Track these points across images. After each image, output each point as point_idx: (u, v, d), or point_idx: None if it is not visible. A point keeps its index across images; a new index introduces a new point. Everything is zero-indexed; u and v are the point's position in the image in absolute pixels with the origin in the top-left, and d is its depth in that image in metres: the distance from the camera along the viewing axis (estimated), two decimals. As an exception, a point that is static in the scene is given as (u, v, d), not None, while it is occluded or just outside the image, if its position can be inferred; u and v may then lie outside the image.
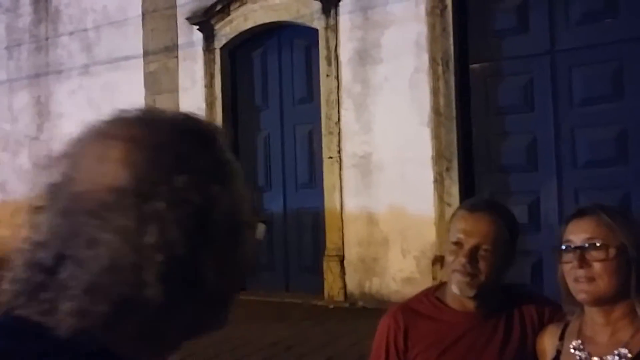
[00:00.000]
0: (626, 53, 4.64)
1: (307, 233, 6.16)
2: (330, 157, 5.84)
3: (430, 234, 5.20)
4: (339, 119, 5.81)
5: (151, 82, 7.15)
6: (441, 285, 1.65)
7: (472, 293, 1.47)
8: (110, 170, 0.56)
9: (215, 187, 0.58)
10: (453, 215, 1.60)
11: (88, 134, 0.60)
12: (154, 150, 0.57)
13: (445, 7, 5.19)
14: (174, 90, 7.04)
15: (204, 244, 0.56)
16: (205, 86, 6.75)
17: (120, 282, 0.54)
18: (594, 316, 1.32)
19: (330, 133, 5.85)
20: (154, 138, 0.58)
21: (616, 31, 4.69)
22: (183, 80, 6.93)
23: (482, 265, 1.45)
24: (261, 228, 0.66)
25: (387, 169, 5.48)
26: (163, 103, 7.11)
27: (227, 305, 0.62)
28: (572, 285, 1.30)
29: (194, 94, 6.85)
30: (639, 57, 4.55)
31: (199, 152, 0.59)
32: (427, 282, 4.22)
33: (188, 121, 0.63)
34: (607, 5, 4.76)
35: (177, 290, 0.55)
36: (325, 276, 5.75)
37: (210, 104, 6.76)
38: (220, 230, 0.58)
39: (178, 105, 7.01)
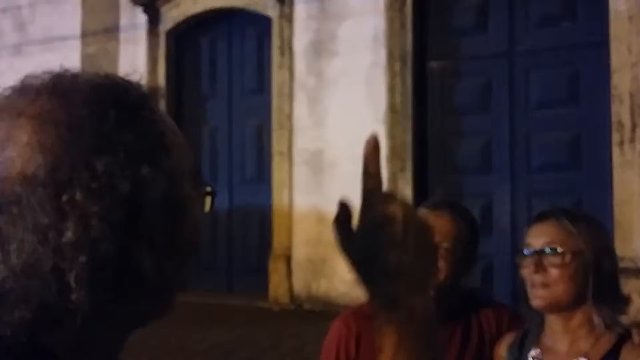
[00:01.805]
0: (583, 57, 4.71)
1: (253, 231, 6.01)
2: (281, 153, 5.69)
3: (381, 235, 5.08)
4: (290, 113, 5.63)
5: (89, 65, 6.77)
6: None
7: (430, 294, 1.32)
8: (18, 156, 0.49)
9: (145, 169, 0.51)
10: None
11: None
12: (68, 128, 0.50)
13: (405, 2, 5.14)
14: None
15: (136, 235, 0.51)
16: (148, 72, 6.42)
17: (39, 287, 0.48)
18: (552, 324, 1.31)
19: (281, 127, 5.69)
20: (68, 112, 0.51)
21: (574, 35, 4.76)
22: (123, 65, 6.61)
23: (441, 264, 1.42)
24: (207, 199, 0.61)
25: (339, 167, 5.35)
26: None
27: (173, 293, 0.57)
28: (528, 290, 1.29)
29: (135, 80, 6.51)
30: (595, 62, 4.60)
31: (123, 127, 0.51)
32: (378, 286, 4.11)
33: (110, 87, 0.54)
34: (565, 9, 4.81)
35: (108, 291, 0.50)
36: (270, 277, 5.61)
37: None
38: (156, 215, 0.52)
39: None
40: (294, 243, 5.54)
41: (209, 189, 0.61)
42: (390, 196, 0.60)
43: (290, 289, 5.50)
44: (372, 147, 0.61)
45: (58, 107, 0.51)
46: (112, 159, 0.49)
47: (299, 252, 5.51)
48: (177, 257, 0.55)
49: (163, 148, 0.53)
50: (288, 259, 5.54)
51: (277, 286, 5.54)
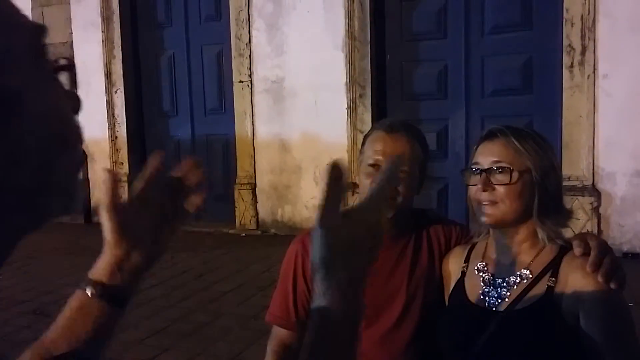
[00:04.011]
0: (536, -19, 4.66)
1: (217, 160, 5.98)
2: (241, 81, 5.59)
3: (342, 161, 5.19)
4: (249, 40, 5.51)
5: (38, -6, 6.42)
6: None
7: (389, 215, 1.44)
8: None
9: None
10: (367, 136, 1.54)
11: None
12: None
13: None
14: (65, 2, 6.37)
15: None
16: (101, -1, 6.15)
17: None
18: (498, 238, 1.34)
19: (241, 55, 5.57)
20: None
21: (527, -41, 4.68)
22: (75, -8, 6.27)
23: (400, 187, 1.43)
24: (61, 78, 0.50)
25: (300, 95, 5.34)
26: (53, 16, 6.43)
27: (39, 198, 0.46)
28: (476, 207, 1.31)
29: (87, 5, 6.25)
30: (548, -14, 4.59)
31: None
32: (339, 210, 4.26)
33: None
34: None
35: None
36: (237, 204, 5.67)
37: (106, 19, 6.20)
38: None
39: (70, 18, 6.37)
40: (258, 171, 5.57)
41: (63, 65, 0.51)
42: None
43: (256, 215, 5.58)
44: (335, 177, 0.60)
45: None
46: None
47: (263, 180, 5.56)
48: (25, 157, 0.44)
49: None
50: (253, 187, 5.59)
51: (243, 213, 5.62)
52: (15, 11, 0.45)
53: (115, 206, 0.74)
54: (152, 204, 0.79)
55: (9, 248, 0.46)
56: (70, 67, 0.52)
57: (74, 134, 0.49)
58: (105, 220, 0.75)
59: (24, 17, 0.45)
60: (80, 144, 0.51)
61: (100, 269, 0.76)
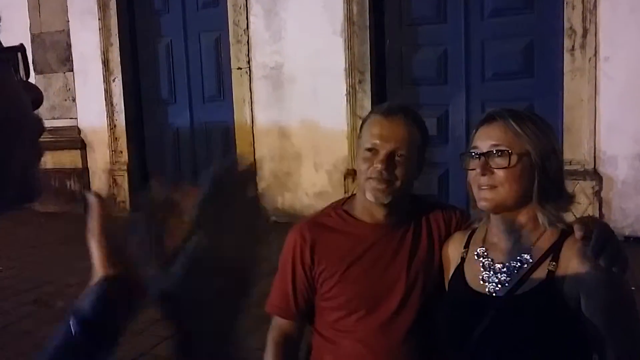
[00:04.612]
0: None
1: (217, 148, 5.95)
2: (240, 68, 5.56)
3: (342, 148, 5.18)
4: (247, 26, 5.47)
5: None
6: (349, 199, 1.61)
7: (387, 200, 1.44)
8: None
9: None
10: (365, 120, 1.52)
11: None
12: None
13: None
14: (61, -11, 6.31)
15: None
16: (97, -14, 6.10)
17: None
18: (497, 223, 1.32)
19: (239, 41, 5.53)
20: None
21: (528, -60, 4.63)
22: (72, -20, 6.22)
23: (398, 171, 1.42)
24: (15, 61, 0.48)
25: (299, 81, 5.31)
26: (49, 4, 6.38)
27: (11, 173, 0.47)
28: (475, 192, 1.29)
29: (84, -6, 6.19)
30: (549, -31, 4.54)
31: None
32: (339, 196, 4.20)
33: None
34: None
35: None
36: (236, 192, 5.64)
37: (102, 6, 6.15)
38: None
39: (66, 7, 6.32)
40: (258, 159, 5.55)
41: (9, 47, 0.49)
42: None
43: (256, 202, 5.61)
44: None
45: None
46: None
47: (263, 167, 5.57)
48: None
49: None
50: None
51: (243, 200, 5.64)
52: None
53: (104, 232, 0.64)
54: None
55: None
56: (22, 50, 0.49)
57: (32, 125, 0.48)
58: (93, 248, 0.65)
59: None
60: (38, 137, 0.49)
61: (88, 300, 0.63)
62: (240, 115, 5.59)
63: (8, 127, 0.46)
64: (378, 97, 5.07)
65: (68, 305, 0.64)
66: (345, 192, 4.93)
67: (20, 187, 0.48)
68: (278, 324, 1.56)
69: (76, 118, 6.39)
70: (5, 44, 0.47)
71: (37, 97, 0.50)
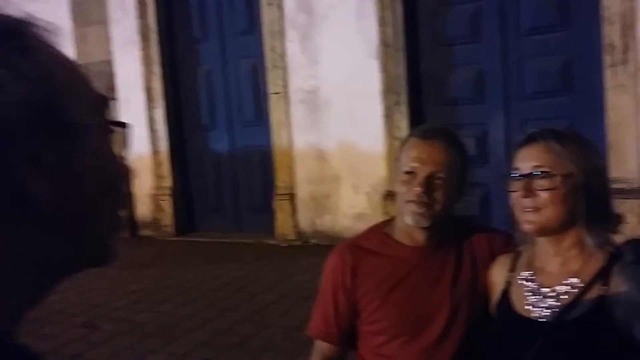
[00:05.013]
0: (573, -20, 4.57)
1: (256, 172, 6.04)
2: (277, 93, 5.64)
3: (380, 169, 5.18)
4: (283, 52, 5.57)
5: (78, 12, 6.64)
6: (389, 221, 1.59)
7: (427, 224, 1.42)
8: None
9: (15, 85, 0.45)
10: (403, 143, 1.51)
11: None
12: None
13: None
14: (103, 21, 6.56)
15: (12, 153, 0.44)
16: (138, 17, 6.32)
17: None
18: (543, 246, 1.29)
19: (276, 67, 5.63)
20: None
21: (564, -42, 4.60)
22: (113, 11, 6.47)
23: (437, 194, 1.40)
24: (120, 134, 0.55)
25: (335, 104, 5.36)
26: (93, 36, 6.64)
27: (90, 228, 0.51)
28: (519, 214, 1.26)
29: (125, 25, 6.42)
30: (586, -15, 4.49)
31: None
32: (378, 218, 4.23)
33: None
34: None
35: None
36: (276, 215, 5.70)
37: (144, 37, 6.36)
38: (26, 127, 0.45)
39: (110, 38, 6.57)
40: (297, 181, 5.60)
41: (120, 122, 0.56)
42: None
43: (296, 225, 5.61)
44: None
45: None
46: None
47: (302, 190, 5.58)
48: (83, 184, 0.49)
49: (26, 57, 0.48)
50: (292, 197, 5.63)
51: (283, 223, 5.66)
52: (82, 78, 0.54)
53: None
54: None
55: (50, 284, 0.50)
56: (123, 124, 0.57)
57: (121, 190, 0.54)
58: None
59: (91, 86, 0.54)
60: (122, 206, 0.56)
61: None
62: (278, 138, 5.67)
63: (106, 183, 0.52)
64: (415, 118, 5.06)
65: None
66: (384, 214, 4.91)
67: (104, 249, 0.53)
68: (320, 348, 1.56)
69: (120, 145, 6.57)
70: None
71: (127, 173, 0.57)
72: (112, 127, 0.55)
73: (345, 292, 1.50)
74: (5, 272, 0.45)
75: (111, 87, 6.62)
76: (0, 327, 0.46)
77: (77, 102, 0.50)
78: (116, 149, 0.55)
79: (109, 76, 6.60)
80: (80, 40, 6.66)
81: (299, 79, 5.53)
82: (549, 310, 1.25)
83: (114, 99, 6.43)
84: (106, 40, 6.60)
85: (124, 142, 0.56)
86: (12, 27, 0.48)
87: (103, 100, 0.56)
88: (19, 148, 0.44)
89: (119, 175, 0.55)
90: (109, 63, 6.60)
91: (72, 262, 0.51)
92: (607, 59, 4.31)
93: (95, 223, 0.52)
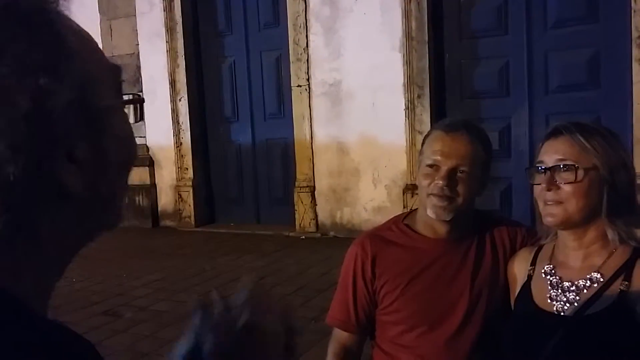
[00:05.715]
0: (601, -28, 4.49)
1: (277, 164, 6.08)
2: (299, 86, 5.65)
3: (401, 163, 5.16)
4: (307, 45, 5.57)
5: (106, 6, 6.73)
6: (410, 213, 1.60)
7: (448, 217, 1.42)
8: None
9: (43, 79, 0.45)
10: (427, 136, 1.51)
11: None
12: None
13: None
14: (131, 14, 6.64)
15: (49, 149, 0.46)
16: (164, 10, 6.38)
17: None
18: (565, 240, 1.29)
19: (299, 59, 5.64)
20: None
21: (592, -51, 4.51)
22: (140, 4, 6.53)
23: (460, 188, 1.39)
24: (131, 108, 0.58)
25: (357, 97, 5.35)
26: (119, 29, 6.72)
27: (114, 204, 0.55)
28: (541, 207, 1.26)
29: (152, 18, 6.49)
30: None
31: (15, 37, 0.45)
32: (398, 211, 4.21)
33: None
34: None
35: (28, 210, 0.46)
36: (296, 207, 5.73)
37: (170, 30, 6.42)
38: (68, 127, 0.47)
39: (136, 30, 6.64)
40: (317, 174, 5.61)
41: (133, 97, 0.63)
42: None
43: (315, 217, 5.63)
44: None
45: None
46: (8, 70, 0.44)
47: (322, 183, 5.60)
48: (108, 169, 0.52)
49: (64, 55, 0.47)
50: (312, 190, 5.64)
51: (302, 216, 5.68)
52: (101, 52, 0.54)
53: None
54: None
55: (76, 250, 0.53)
56: (139, 101, 0.59)
57: (133, 164, 0.58)
58: None
59: (106, 57, 0.54)
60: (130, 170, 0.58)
61: None
62: (300, 131, 5.68)
63: (126, 163, 0.55)
64: (437, 112, 5.03)
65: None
66: (404, 207, 4.90)
67: (118, 217, 0.56)
68: (338, 336, 1.57)
69: (145, 137, 6.66)
70: None
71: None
72: (128, 103, 0.57)
73: (365, 281, 1.51)
74: (46, 250, 0.48)
75: (137, 80, 6.70)
76: (42, 301, 0.49)
77: (105, 87, 0.51)
78: (129, 124, 0.56)
79: (135, 68, 6.68)
80: (107, 34, 6.74)
81: (322, 72, 5.53)
82: (570, 305, 1.24)
83: (140, 92, 6.52)
84: (133, 33, 6.67)
85: (136, 116, 0.57)
86: (37, 5, 0.48)
87: (118, 73, 0.56)
88: (59, 148, 0.47)
89: (135, 151, 0.57)
90: (135, 56, 6.68)
91: (95, 231, 0.54)
92: (635, 52, 4.23)
93: (115, 199, 0.55)
